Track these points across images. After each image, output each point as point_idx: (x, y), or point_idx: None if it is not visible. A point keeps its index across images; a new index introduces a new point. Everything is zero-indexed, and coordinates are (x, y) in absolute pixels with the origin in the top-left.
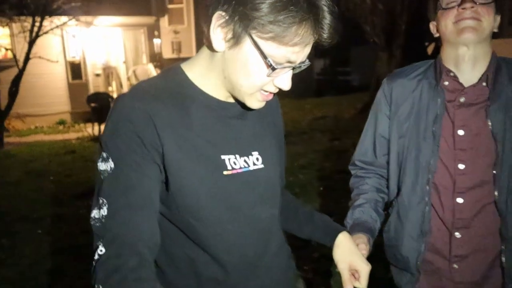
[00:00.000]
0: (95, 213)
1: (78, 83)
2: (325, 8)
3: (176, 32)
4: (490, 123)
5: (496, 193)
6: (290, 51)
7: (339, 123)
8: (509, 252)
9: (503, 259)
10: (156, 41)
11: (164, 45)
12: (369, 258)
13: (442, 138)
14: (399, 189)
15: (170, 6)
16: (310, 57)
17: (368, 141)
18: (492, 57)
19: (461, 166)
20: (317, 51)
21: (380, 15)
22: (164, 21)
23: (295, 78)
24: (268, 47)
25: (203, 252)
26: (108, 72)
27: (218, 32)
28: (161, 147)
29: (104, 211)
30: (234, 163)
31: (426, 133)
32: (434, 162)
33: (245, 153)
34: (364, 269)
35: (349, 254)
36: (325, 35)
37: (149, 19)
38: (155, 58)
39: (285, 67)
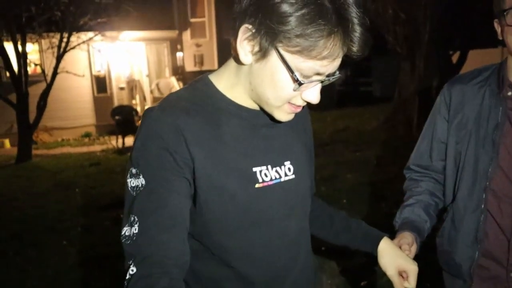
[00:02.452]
0: (126, 230)
1: (103, 97)
2: (355, 21)
3: (198, 46)
4: None
5: None
6: (319, 65)
7: (361, 135)
8: None
9: None
10: (179, 54)
11: (186, 58)
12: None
13: (503, 146)
14: (454, 195)
15: (192, 20)
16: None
17: (425, 145)
18: None
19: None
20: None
21: (403, 25)
22: (186, 35)
23: None
24: (295, 60)
25: (228, 268)
26: (132, 86)
27: (244, 45)
28: (191, 162)
29: (135, 229)
30: (266, 175)
31: (485, 141)
32: (493, 170)
33: (277, 163)
34: (412, 269)
35: (395, 258)
36: (354, 48)
37: (171, 33)
38: (178, 71)
39: (312, 81)
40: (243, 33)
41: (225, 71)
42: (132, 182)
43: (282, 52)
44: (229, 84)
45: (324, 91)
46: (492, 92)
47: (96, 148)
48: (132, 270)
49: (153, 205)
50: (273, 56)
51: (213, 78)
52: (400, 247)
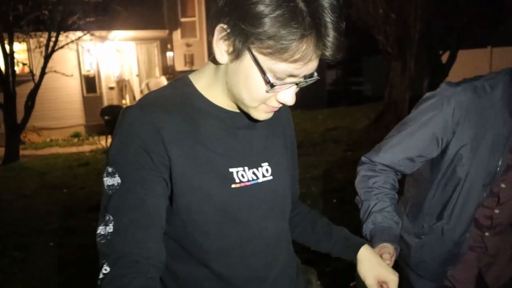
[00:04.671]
0: (101, 230)
1: (92, 97)
2: (329, 25)
3: (188, 45)
4: None
5: None
6: (292, 67)
7: (352, 134)
8: None
9: None
10: (169, 54)
11: (176, 58)
12: None
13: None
14: (441, 215)
15: (182, 20)
16: (321, 68)
17: (404, 156)
18: None
19: (502, 185)
20: (328, 62)
21: (394, 25)
22: (176, 34)
23: (307, 89)
24: (268, 62)
25: (207, 268)
26: (122, 85)
27: (220, 44)
28: (168, 161)
29: (110, 228)
30: (242, 175)
31: (489, 165)
32: (483, 199)
33: (254, 164)
34: (393, 279)
35: (375, 267)
36: (327, 52)
37: (162, 33)
38: (168, 71)
39: (286, 83)
40: (218, 32)
41: (204, 71)
42: (108, 181)
43: (255, 53)
44: (208, 84)
45: (315, 90)
46: (504, 116)
47: (85, 148)
48: (106, 270)
49: (129, 204)
50: (247, 57)
51: (193, 77)
52: (381, 256)
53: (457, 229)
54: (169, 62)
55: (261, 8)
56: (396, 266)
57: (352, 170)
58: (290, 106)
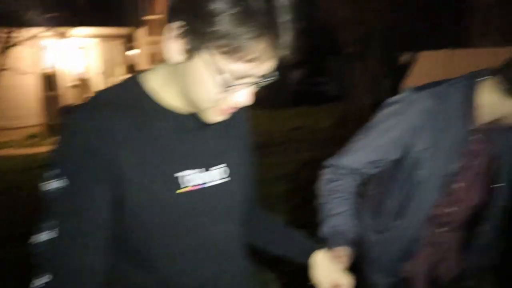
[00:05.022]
0: (39, 237)
1: (51, 95)
2: (285, 25)
3: (155, 43)
4: (492, 148)
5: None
6: (248, 67)
7: (315, 133)
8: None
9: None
10: (133, 52)
11: (143, 56)
12: None
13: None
14: (398, 214)
15: (148, 17)
16: (285, 68)
17: (368, 158)
18: None
19: (451, 209)
20: (285, 62)
21: (355, 26)
22: (141, 32)
23: (271, 89)
24: (223, 61)
25: (156, 275)
26: (83, 84)
27: (173, 43)
28: (115, 165)
29: (50, 235)
30: (193, 179)
31: (446, 169)
32: (439, 199)
33: (207, 167)
34: (346, 283)
35: (329, 272)
36: (283, 52)
37: (126, 30)
38: (133, 69)
39: (242, 83)
40: (172, 31)
41: (157, 70)
42: (50, 184)
43: (209, 52)
44: (161, 84)
45: (279, 90)
46: (464, 126)
47: (44, 149)
48: (44, 278)
49: (72, 210)
50: (201, 57)
51: (144, 77)
52: (335, 261)
53: (413, 228)
54: (134, 60)
55: (216, 5)
56: (354, 262)
57: (316, 169)
58: (254, 106)
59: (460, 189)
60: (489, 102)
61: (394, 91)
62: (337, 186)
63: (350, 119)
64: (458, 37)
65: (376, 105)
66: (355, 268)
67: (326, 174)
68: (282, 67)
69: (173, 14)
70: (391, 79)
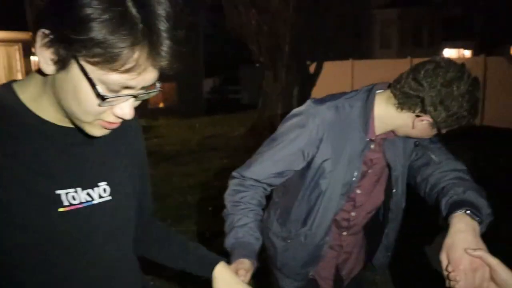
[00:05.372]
0: None
1: None
2: (163, 33)
3: None
4: (385, 155)
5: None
6: (125, 78)
7: (228, 142)
8: (391, 230)
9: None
10: (33, 58)
11: None
12: None
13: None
14: (305, 222)
15: None
16: (199, 76)
17: (274, 169)
18: None
19: (358, 191)
20: (206, 70)
21: (265, 36)
22: None
23: (184, 97)
24: (97, 72)
25: None
26: None
27: (43, 52)
28: None
29: None
30: (73, 197)
31: (346, 177)
32: (342, 206)
33: (90, 185)
34: None
35: (230, 284)
36: (162, 62)
37: (24, 35)
38: None
39: (120, 96)
40: (40, 38)
41: (31, 79)
42: None
43: (82, 62)
44: (35, 96)
45: (192, 98)
46: (361, 138)
47: None
48: None
49: None
50: (74, 67)
51: (17, 87)
52: (237, 272)
53: (318, 235)
54: (34, 67)
55: (87, 11)
56: (262, 269)
57: (228, 177)
58: (168, 113)
59: (360, 195)
60: (384, 114)
61: (305, 99)
62: (242, 198)
63: (262, 127)
64: (358, 49)
65: (287, 114)
66: (264, 274)
67: (232, 185)
68: (194, 76)
69: (41, 20)
70: (300, 88)
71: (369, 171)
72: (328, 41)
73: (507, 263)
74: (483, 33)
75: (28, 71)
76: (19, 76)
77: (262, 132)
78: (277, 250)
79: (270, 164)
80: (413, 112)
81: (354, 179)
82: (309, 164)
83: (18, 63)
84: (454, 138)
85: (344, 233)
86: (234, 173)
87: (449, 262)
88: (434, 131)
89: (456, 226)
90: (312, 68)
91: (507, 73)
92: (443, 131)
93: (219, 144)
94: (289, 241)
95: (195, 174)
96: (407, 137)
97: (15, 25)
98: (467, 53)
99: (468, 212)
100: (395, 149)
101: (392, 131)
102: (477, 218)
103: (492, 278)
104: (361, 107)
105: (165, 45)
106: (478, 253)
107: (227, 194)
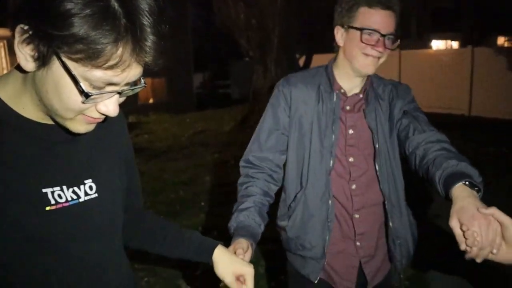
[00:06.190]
0: None
1: None
2: (147, 28)
3: None
4: (367, 121)
5: (379, 175)
6: (109, 74)
7: (219, 136)
8: (392, 219)
9: (391, 224)
10: None
11: None
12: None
13: (336, 136)
14: (302, 184)
15: None
16: (188, 71)
17: (265, 137)
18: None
19: (351, 159)
20: (196, 65)
21: (255, 30)
22: None
23: (174, 92)
24: (80, 69)
25: None
26: None
27: (23, 49)
28: None
29: None
30: (59, 195)
31: (326, 131)
32: (333, 157)
33: (75, 182)
34: (248, 271)
35: (230, 265)
36: (147, 58)
37: (9, 32)
38: None
39: (104, 92)
40: (19, 34)
41: (10, 77)
42: None
43: (64, 59)
44: (15, 93)
45: (183, 94)
46: (327, 91)
47: None
48: None
49: None
50: (55, 64)
51: (0, 83)
52: (235, 253)
53: (316, 193)
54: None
55: (67, 6)
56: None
57: (219, 172)
58: (158, 109)
59: (354, 166)
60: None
61: None
62: (247, 188)
63: (253, 121)
64: None
65: None
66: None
67: (242, 174)
68: (184, 70)
69: (19, 15)
70: None
71: (350, 131)
72: (316, 34)
73: None
74: (471, 24)
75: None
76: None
77: (253, 126)
78: (286, 229)
79: (263, 136)
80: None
81: (332, 134)
82: (290, 126)
83: (3, 61)
84: (443, 128)
85: (356, 216)
86: (240, 162)
87: (462, 223)
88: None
89: (461, 195)
90: (301, 61)
91: (494, 64)
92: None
93: (210, 139)
94: (292, 211)
95: (187, 170)
96: (393, 109)
97: None
98: (455, 44)
99: (467, 183)
100: (378, 116)
101: (365, 89)
102: (476, 188)
103: (503, 236)
104: (321, 68)
105: (149, 40)
106: (490, 210)
107: (238, 183)
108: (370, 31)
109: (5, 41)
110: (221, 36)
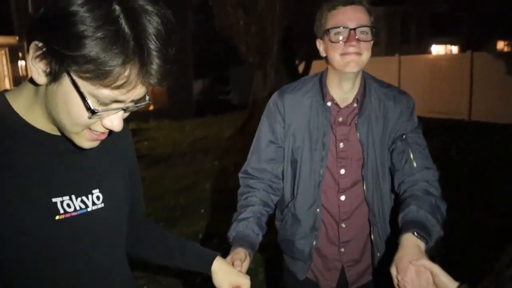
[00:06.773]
0: None
1: None
2: (153, 52)
3: None
4: (358, 134)
5: (364, 188)
6: (115, 93)
7: (219, 143)
8: (376, 232)
9: (372, 237)
10: (21, 63)
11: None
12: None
13: (328, 148)
14: (293, 194)
15: None
16: (188, 77)
17: (263, 149)
18: (362, 79)
19: (342, 171)
20: (196, 71)
21: (254, 36)
22: None
23: (174, 99)
24: (89, 87)
25: None
26: None
27: (36, 63)
28: None
29: None
30: (68, 205)
31: (317, 145)
32: (323, 169)
33: (83, 192)
34: (245, 283)
35: (228, 276)
36: (152, 80)
37: (11, 39)
38: (20, 82)
39: (109, 110)
40: (33, 50)
41: (23, 89)
42: None
43: (74, 77)
44: (27, 105)
45: (183, 100)
46: (319, 103)
47: None
48: None
49: None
50: (66, 80)
51: (10, 97)
52: (232, 264)
53: (305, 203)
54: (21, 72)
55: (81, 28)
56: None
57: (220, 178)
58: (158, 116)
59: (344, 178)
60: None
61: None
62: (246, 198)
63: (253, 128)
64: None
65: None
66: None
67: (241, 185)
68: (185, 76)
69: (34, 31)
70: None
71: (341, 145)
72: (314, 40)
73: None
74: (470, 29)
75: (15, 76)
76: (6, 82)
77: (253, 132)
78: (280, 231)
79: (261, 148)
80: None
81: (323, 147)
82: (285, 138)
83: (5, 68)
84: (443, 133)
85: (343, 225)
86: (239, 174)
87: (398, 273)
88: None
89: (405, 244)
90: (301, 67)
91: (494, 68)
92: None
93: (210, 145)
94: (284, 217)
95: (187, 176)
96: (387, 122)
97: (0, 30)
98: (454, 49)
99: (416, 234)
100: (370, 128)
101: (357, 99)
102: (423, 240)
103: (435, 283)
104: (315, 78)
105: (155, 64)
106: (420, 262)
107: (238, 193)
108: (336, 29)
109: (6, 49)
110: (221, 43)
